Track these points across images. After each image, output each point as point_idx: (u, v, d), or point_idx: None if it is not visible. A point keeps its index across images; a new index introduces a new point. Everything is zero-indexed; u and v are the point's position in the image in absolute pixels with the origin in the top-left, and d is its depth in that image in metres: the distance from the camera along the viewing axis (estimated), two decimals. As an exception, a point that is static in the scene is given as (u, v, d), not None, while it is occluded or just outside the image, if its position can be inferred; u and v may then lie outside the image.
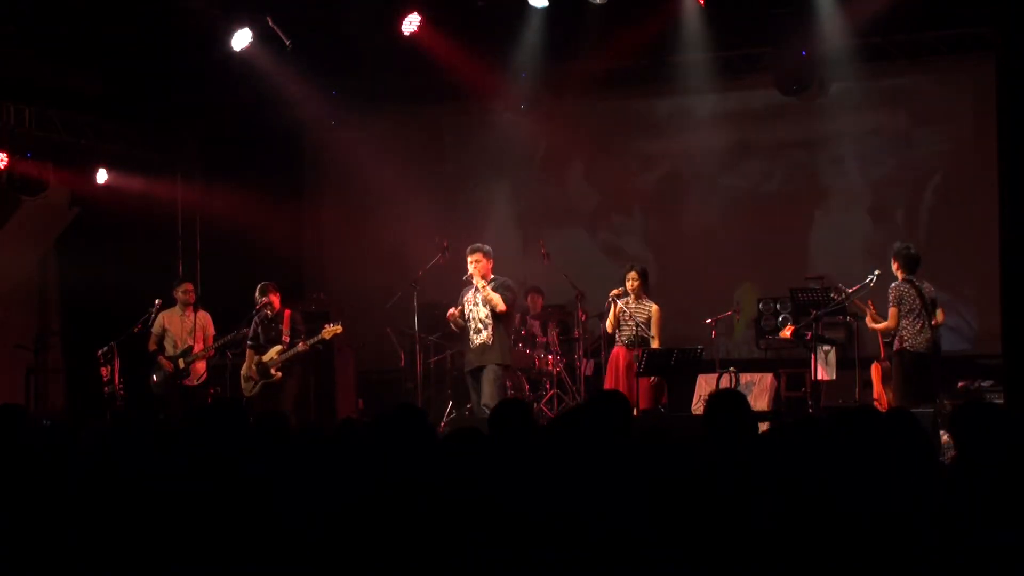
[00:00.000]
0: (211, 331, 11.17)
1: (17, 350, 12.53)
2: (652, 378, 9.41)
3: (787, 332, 10.44)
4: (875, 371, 10.00)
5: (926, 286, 9.43)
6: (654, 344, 9.56)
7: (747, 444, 4.32)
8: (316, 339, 10.52)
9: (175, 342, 11.04)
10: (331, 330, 10.48)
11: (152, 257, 12.96)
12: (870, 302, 9.94)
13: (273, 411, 8.25)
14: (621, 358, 9.69)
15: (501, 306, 9.52)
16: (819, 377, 10.34)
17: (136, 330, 11.12)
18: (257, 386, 10.52)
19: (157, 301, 11.13)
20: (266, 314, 10.58)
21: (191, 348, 10.93)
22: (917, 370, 9.34)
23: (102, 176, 12.74)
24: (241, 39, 11.42)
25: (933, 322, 9.34)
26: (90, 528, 3.89)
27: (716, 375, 10.31)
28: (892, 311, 9.27)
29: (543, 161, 13.75)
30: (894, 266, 9.39)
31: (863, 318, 10.03)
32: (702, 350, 9.90)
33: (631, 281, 9.70)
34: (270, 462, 4.25)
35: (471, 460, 4.05)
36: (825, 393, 10.64)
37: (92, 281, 12.60)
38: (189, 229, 13.58)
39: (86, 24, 11.28)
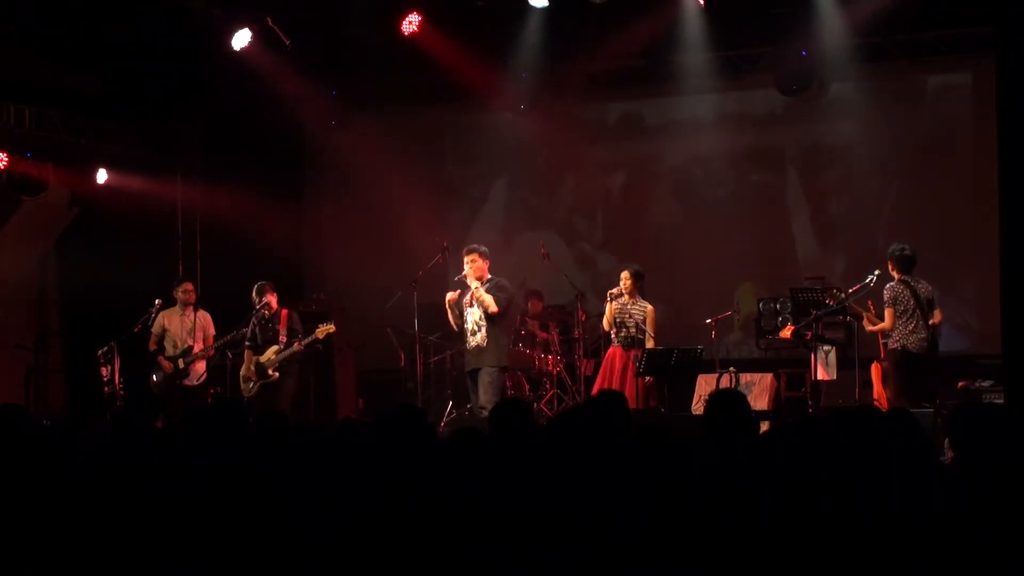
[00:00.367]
0: (211, 331, 11.18)
1: (17, 350, 12.53)
2: (644, 379, 9.45)
3: (787, 332, 10.44)
4: (875, 371, 10.01)
5: (922, 286, 9.46)
6: (649, 344, 9.59)
7: (747, 444, 4.32)
8: (310, 339, 10.53)
9: (175, 342, 11.04)
10: (324, 329, 10.48)
11: (152, 257, 12.96)
12: (870, 303, 9.96)
13: (273, 411, 8.26)
14: (617, 359, 9.71)
15: (493, 308, 9.53)
16: (819, 377, 10.35)
17: (136, 330, 11.12)
18: (255, 386, 10.52)
19: (157, 301, 11.13)
20: (264, 314, 10.58)
21: (191, 348, 10.93)
22: (911, 370, 9.38)
23: (102, 176, 12.74)
24: (241, 39, 11.42)
25: (931, 322, 9.37)
26: (90, 528, 3.89)
27: (716, 375, 10.31)
28: (888, 312, 9.39)
29: (543, 161, 13.74)
30: (889, 267, 9.46)
31: (861, 319, 10.04)
32: (702, 350, 9.91)
33: (624, 281, 9.79)
34: (270, 462, 4.25)
35: (471, 460, 4.05)
36: (825, 393, 10.64)
37: (92, 281, 12.60)
38: (189, 229, 13.58)
39: (86, 24, 11.29)
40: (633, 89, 13.22)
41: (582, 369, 12.04)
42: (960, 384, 10.52)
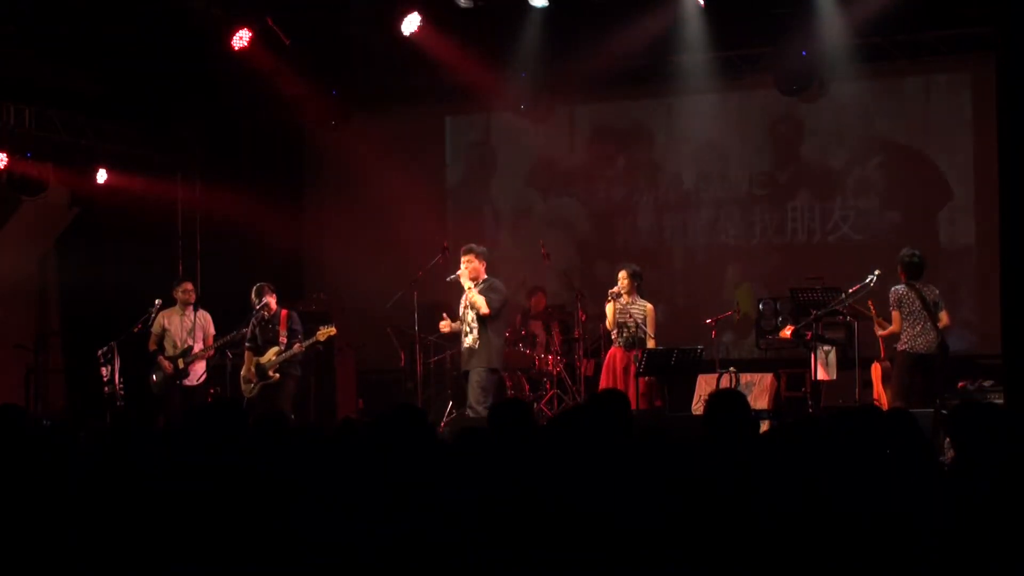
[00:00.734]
0: (211, 331, 11.17)
1: (17, 350, 12.53)
2: (647, 379, 9.44)
3: (787, 332, 10.44)
4: (875, 371, 10.01)
5: (928, 289, 9.51)
6: (650, 343, 9.59)
7: (747, 444, 4.32)
8: (311, 341, 10.52)
9: (175, 342, 11.03)
10: (325, 332, 10.48)
11: (152, 257, 12.97)
12: (871, 303, 9.97)
13: (273, 411, 8.26)
14: (618, 359, 9.71)
15: (484, 309, 9.53)
16: (819, 377, 10.35)
17: (136, 330, 11.12)
18: (256, 387, 10.51)
19: (157, 301, 11.13)
20: (263, 315, 10.57)
21: (191, 348, 10.93)
22: (916, 371, 9.41)
23: (102, 176, 12.74)
24: (241, 39, 11.42)
25: (940, 324, 9.41)
26: (90, 528, 3.89)
27: (716, 375, 10.30)
28: (894, 315, 9.48)
29: (543, 161, 13.73)
30: (899, 271, 9.55)
31: (864, 320, 10.05)
32: (702, 350, 9.91)
33: (621, 280, 9.83)
34: (270, 462, 4.25)
35: (472, 460, 4.05)
36: (825, 393, 10.64)
37: (92, 281, 12.60)
38: (189, 229, 13.58)
39: (86, 24, 11.28)
40: (633, 89, 13.21)
41: (582, 369, 12.03)
42: (960, 384, 10.53)
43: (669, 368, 9.44)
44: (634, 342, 9.63)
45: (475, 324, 9.57)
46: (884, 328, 9.72)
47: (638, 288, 9.94)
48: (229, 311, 11.24)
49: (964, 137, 12.03)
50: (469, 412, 9.41)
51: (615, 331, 9.84)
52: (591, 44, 12.07)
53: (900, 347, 9.47)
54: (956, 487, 3.71)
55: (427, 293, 11.02)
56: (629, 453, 3.99)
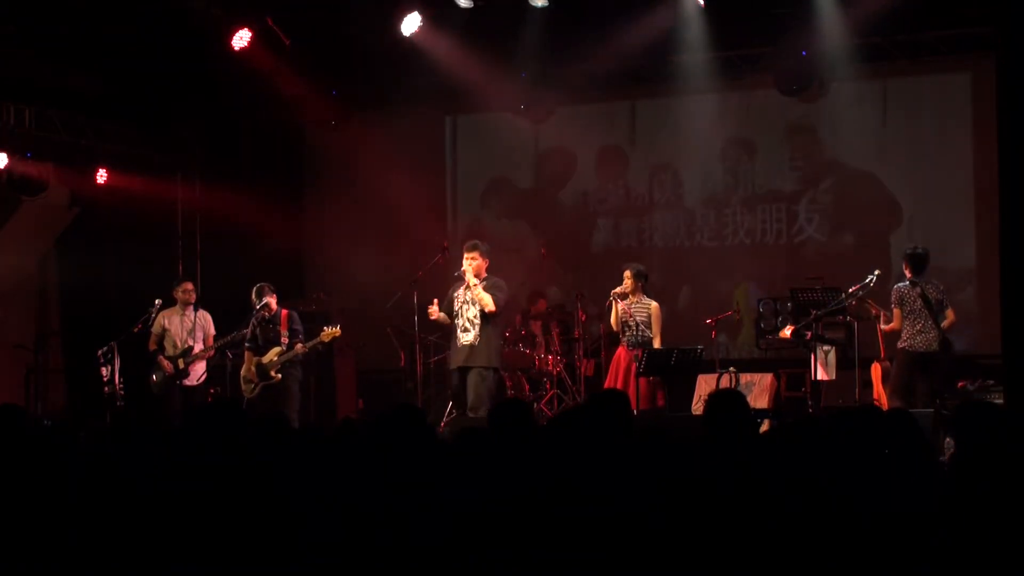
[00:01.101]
0: (211, 331, 11.17)
1: (17, 350, 12.53)
2: (650, 378, 9.42)
3: (787, 332, 10.44)
4: (875, 371, 10.02)
5: (931, 287, 9.50)
6: (655, 343, 9.57)
7: (747, 444, 4.32)
8: (314, 342, 10.52)
9: (175, 342, 11.03)
10: (330, 333, 10.47)
11: (152, 257, 12.96)
12: (870, 302, 9.96)
13: (273, 411, 8.25)
14: (622, 359, 9.69)
15: (491, 307, 9.46)
16: (819, 377, 10.34)
17: (136, 330, 11.12)
18: (257, 388, 10.50)
19: (157, 301, 11.13)
20: (263, 315, 10.57)
21: (191, 348, 10.93)
22: (916, 370, 9.41)
23: (102, 176, 12.74)
24: (241, 39, 11.42)
25: (944, 323, 9.41)
26: (90, 528, 3.89)
27: (716, 375, 10.30)
28: (895, 312, 9.48)
29: (542, 161, 13.74)
30: (904, 267, 9.55)
31: (866, 320, 10.05)
32: (702, 350, 9.90)
33: (625, 280, 9.78)
34: (270, 462, 4.25)
35: (473, 460, 4.05)
36: (825, 393, 10.64)
37: (92, 281, 12.60)
38: (189, 229, 13.58)
39: (86, 24, 11.28)
40: (633, 89, 13.22)
41: (582, 369, 12.04)
42: (960, 384, 10.53)
43: (669, 368, 9.42)
44: (637, 342, 9.60)
45: (477, 321, 9.49)
46: (888, 323, 9.70)
47: (643, 287, 9.88)
48: (229, 311, 11.23)
49: (964, 137, 12.03)
50: (470, 413, 9.35)
51: (621, 330, 9.79)
52: (591, 44, 12.07)
53: (900, 345, 9.50)
54: (956, 487, 3.71)
55: (427, 293, 11.02)
56: (629, 453, 3.99)
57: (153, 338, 11.07)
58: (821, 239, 12.68)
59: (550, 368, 11.88)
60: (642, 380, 9.39)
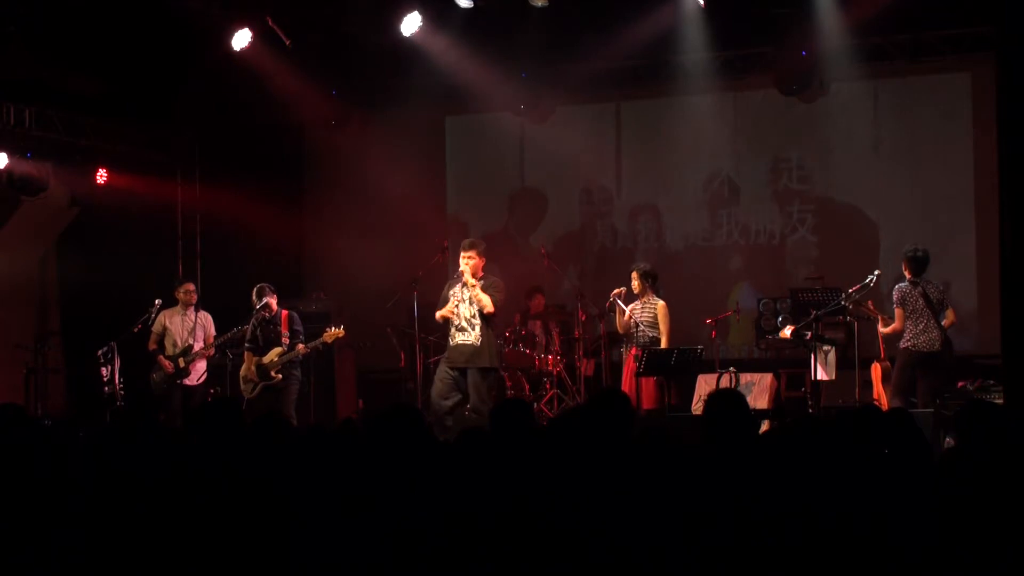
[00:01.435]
0: (211, 331, 11.17)
1: (17, 350, 12.53)
2: (655, 379, 9.41)
3: (787, 332, 10.44)
4: (875, 371, 10.02)
5: (932, 287, 9.51)
6: (663, 342, 9.53)
7: (746, 444, 4.32)
8: (317, 342, 10.51)
9: (175, 341, 11.03)
10: (332, 334, 10.47)
11: (152, 257, 12.97)
12: (870, 303, 9.96)
13: (273, 411, 8.24)
14: (631, 359, 9.69)
15: (489, 307, 9.41)
16: (819, 377, 10.34)
17: (136, 330, 11.12)
18: (257, 388, 10.49)
19: (157, 301, 11.13)
20: (264, 316, 10.57)
21: (191, 347, 10.93)
22: (917, 370, 9.41)
23: (102, 176, 12.74)
24: (241, 39, 11.42)
25: (945, 323, 9.42)
26: (90, 528, 3.89)
27: (716, 375, 10.30)
28: (897, 312, 9.49)
29: (542, 161, 13.73)
30: (903, 267, 9.54)
31: (867, 319, 10.04)
32: (702, 350, 9.90)
33: (632, 281, 9.74)
34: (269, 462, 4.25)
35: (473, 460, 4.05)
36: (825, 393, 10.64)
37: (92, 281, 12.59)
38: (189, 229, 13.58)
39: (86, 24, 11.28)
40: (633, 89, 13.22)
41: (582, 369, 12.04)
42: (960, 384, 10.53)
43: (669, 368, 9.42)
44: (640, 343, 9.58)
45: (477, 321, 9.44)
46: (887, 326, 9.72)
47: (652, 287, 9.81)
48: (229, 311, 11.24)
49: (964, 136, 12.03)
50: (473, 414, 9.32)
51: (628, 333, 9.75)
52: (591, 44, 12.08)
53: (902, 345, 9.49)
54: (956, 486, 3.71)
55: (427, 293, 11.02)
56: (628, 454, 3.99)
57: (153, 337, 11.07)
58: (813, 239, 12.69)
59: (550, 368, 11.88)
60: (650, 380, 9.38)
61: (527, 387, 12.04)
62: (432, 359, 12.28)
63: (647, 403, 9.35)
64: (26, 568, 3.79)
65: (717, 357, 11.14)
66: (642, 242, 13.28)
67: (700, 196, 13.10)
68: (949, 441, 7.62)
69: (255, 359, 10.53)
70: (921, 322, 9.40)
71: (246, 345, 10.63)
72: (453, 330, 9.53)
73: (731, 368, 10.43)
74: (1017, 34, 8.26)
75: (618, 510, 3.57)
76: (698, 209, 13.11)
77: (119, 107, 12.67)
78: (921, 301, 9.39)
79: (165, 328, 11.05)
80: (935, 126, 12.27)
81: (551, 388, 11.86)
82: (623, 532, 3.49)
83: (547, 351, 12.06)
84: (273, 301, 10.62)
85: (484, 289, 9.46)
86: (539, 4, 11.21)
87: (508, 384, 12.13)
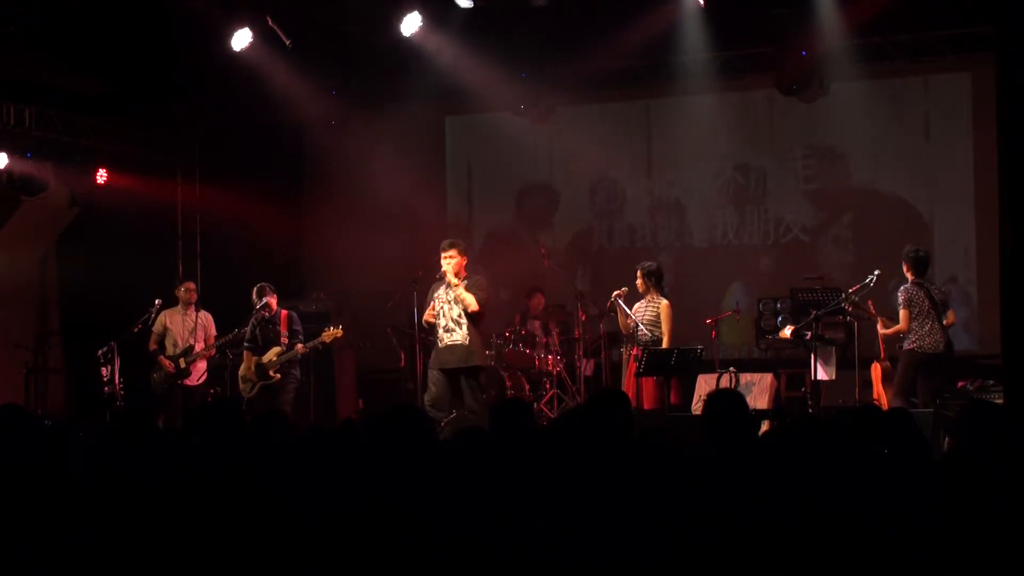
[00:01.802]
0: (212, 331, 11.17)
1: (17, 350, 12.53)
2: (656, 378, 9.39)
3: (787, 332, 10.44)
4: (875, 371, 10.01)
5: (935, 287, 9.51)
6: (664, 341, 9.51)
7: (746, 444, 4.32)
8: (315, 342, 10.51)
9: (176, 341, 11.03)
10: (331, 333, 10.46)
11: (152, 257, 12.96)
12: (870, 303, 9.95)
13: (273, 411, 8.22)
14: (632, 358, 9.67)
15: (474, 306, 9.34)
16: (819, 377, 10.34)
17: (136, 330, 11.12)
18: (256, 388, 10.50)
19: (157, 301, 11.14)
20: (263, 315, 10.57)
21: (192, 347, 10.93)
22: (924, 370, 9.39)
23: (102, 176, 12.73)
24: (241, 39, 11.42)
25: (945, 323, 9.41)
26: (90, 528, 3.89)
27: (716, 375, 10.29)
28: (903, 313, 9.38)
29: (542, 161, 13.74)
30: (904, 268, 9.50)
31: (866, 319, 10.03)
32: (702, 350, 9.88)
33: (637, 280, 9.70)
34: (270, 462, 4.25)
35: (474, 460, 4.05)
36: (825, 393, 10.64)
37: (92, 281, 12.59)
38: (189, 229, 13.58)
39: (86, 24, 11.28)
40: (633, 89, 13.22)
41: (582, 369, 12.04)
42: (960, 384, 10.53)
43: (669, 368, 9.40)
44: (640, 342, 9.56)
45: (463, 321, 9.36)
46: (888, 327, 9.69)
47: (656, 285, 9.77)
48: (229, 311, 11.24)
49: (964, 136, 12.03)
50: (471, 415, 9.28)
51: (631, 333, 9.71)
52: (591, 44, 12.08)
53: (908, 346, 9.40)
54: (956, 486, 3.71)
55: (427, 293, 11.02)
56: (628, 454, 3.99)
57: (154, 337, 11.07)
58: (805, 240, 12.69)
59: (550, 368, 11.88)
60: (650, 380, 9.36)
61: (527, 387, 12.04)
62: (432, 359, 12.29)
63: (647, 403, 9.33)
64: (26, 568, 3.79)
65: (717, 357, 11.14)
66: (643, 242, 13.28)
67: (700, 196, 13.10)
68: (949, 441, 7.61)
69: (254, 359, 10.54)
70: (927, 323, 9.36)
71: (245, 345, 10.64)
72: (441, 332, 9.45)
73: (731, 368, 10.43)
74: (1017, 34, 8.27)
75: (618, 510, 3.57)
76: (698, 209, 13.11)
77: (119, 107, 12.66)
78: (927, 302, 9.36)
79: (165, 328, 11.06)
80: (935, 126, 12.27)
81: (551, 388, 11.86)
82: (623, 532, 3.49)
83: (547, 351, 12.06)
84: (273, 301, 10.63)
85: (467, 288, 9.38)
86: (539, 2, 11.20)
87: (508, 384, 12.13)
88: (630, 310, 9.65)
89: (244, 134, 13.25)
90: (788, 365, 11.37)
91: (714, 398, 4.67)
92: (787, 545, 3.42)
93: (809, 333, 10.19)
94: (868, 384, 10.05)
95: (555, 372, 11.87)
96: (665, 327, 9.52)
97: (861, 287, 9.82)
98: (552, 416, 11.36)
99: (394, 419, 4.21)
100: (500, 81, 12.64)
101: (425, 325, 9.78)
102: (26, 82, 11.83)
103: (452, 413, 9.60)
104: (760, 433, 4.55)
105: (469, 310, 9.32)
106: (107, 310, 12.12)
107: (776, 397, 10.59)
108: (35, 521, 3.91)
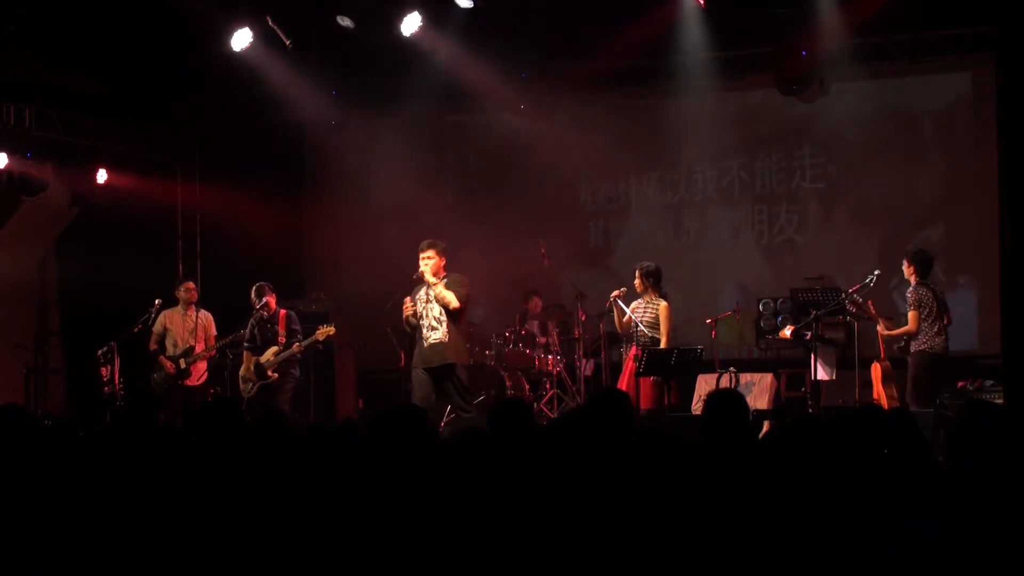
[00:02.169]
0: (212, 331, 11.17)
1: (17, 350, 12.53)
2: (655, 378, 9.38)
3: (787, 332, 10.44)
4: (875, 371, 10.00)
5: (939, 288, 9.53)
6: (662, 343, 9.49)
7: (746, 444, 4.33)
8: (309, 341, 10.50)
9: (176, 341, 11.04)
10: (323, 331, 10.45)
11: (152, 257, 12.96)
12: (870, 303, 9.95)
13: (272, 411, 8.22)
14: (631, 358, 9.66)
15: (454, 303, 9.26)
16: (819, 377, 10.34)
17: (136, 330, 11.13)
18: (255, 387, 10.51)
19: (157, 301, 11.14)
20: (262, 315, 10.58)
21: (192, 348, 10.93)
22: (933, 371, 9.38)
23: (102, 176, 12.74)
24: (241, 39, 11.42)
25: (944, 322, 9.42)
26: (90, 528, 3.89)
27: (716, 375, 10.30)
28: (913, 314, 9.31)
29: (542, 161, 13.74)
30: (908, 269, 9.45)
31: (866, 319, 10.03)
32: (702, 350, 9.87)
33: (635, 280, 9.66)
34: (269, 462, 4.25)
35: (472, 461, 4.05)
36: (825, 393, 10.64)
37: (92, 281, 12.59)
38: (189, 229, 13.59)
39: (86, 24, 11.28)
40: (633, 89, 13.22)
41: (582, 369, 12.04)
42: (960, 384, 10.52)
43: (669, 368, 9.39)
44: (640, 343, 9.56)
45: (444, 318, 9.27)
46: (890, 328, 9.66)
47: (655, 286, 9.70)
48: (229, 311, 11.24)
49: (963, 137, 12.04)
50: (463, 413, 9.24)
51: (632, 331, 9.69)
52: (591, 44, 12.08)
53: (918, 347, 9.33)
54: (957, 486, 3.71)
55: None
56: (628, 454, 3.98)
57: (154, 338, 11.08)
58: (805, 240, 12.70)
59: (550, 368, 11.88)
60: (648, 380, 9.35)
61: (527, 387, 12.04)
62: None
63: (645, 403, 9.32)
64: (26, 568, 3.79)
65: (717, 357, 11.14)
66: (643, 242, 13.27)
67: (700, 196, 13.11)
68: (948, 441, 7.61)
69: (254, 359, 10.54)
70: (936, 324, 9.34)
71: (244, 344, 10.65)
72: (425, 331, 9.39)
73: (731, 368, 10.43)
74: (1017, 34, 8.26)
75: (618, 510, 3.57)
76: (698, 208, 13.11)
77: (119, 107, 12.67)
78: (935, 304, 9.34)
79: (166, 328, 11.06)
80: (934, 126, 12.27)
81: (551, 388, 11.87)
82: (623, 532, 3.49)
83: (547, 351, 12.06)
84: (272, 300, 10.63)
85: (447, 286, 9.32)
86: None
87: (508, 384, 12.14)
88: (628, 309, 9.64)
89: (244, 134, 13.25)
90: (788, 365, 11.37)
91: (714, 398, 4.67)
92: (787, 545, 3.42)
93: (809, 333, 10.19)
94: (868, 384, 10.05)
95: (555, 372, 11.87)
96: (664, 328, 9.49)
97: (861, 287, 9.81)
98: (552, 416, 11.37)
99: (394, 419, 4.21)
100: (500, 81, 12.64)
101: (407, 325, 9.68)
102: (26, 82, 11.84)
103: (450, 414, 9.60)
104: (761, 434, 4.55)
105: (450, 307, 9.24)
106: (107, 310, 12.12)
107: (776, 397, 10.59)
108: (35, 521, 3.91)
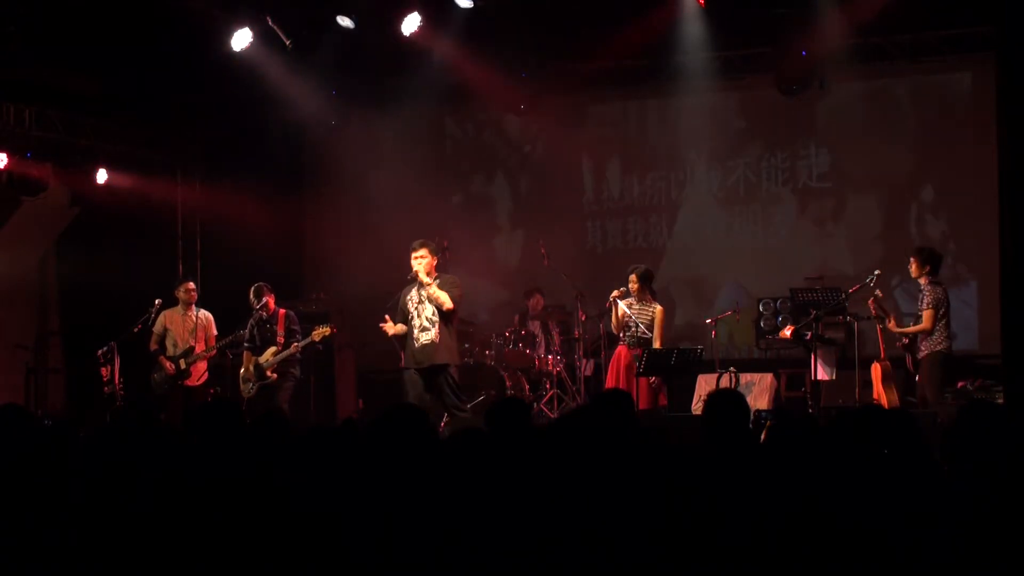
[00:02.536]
0: (212, 331, 11.17)
1: (17, 350, 12.53)
2: (652, 378, 9.36)
3: (787, 332, 10.43)
4: (875, 371, 9.99)
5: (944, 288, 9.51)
6: (655, 345, 9.49)
7: (746, 444, 4.32)
8: (307, 341, 10.49)
9: (176, 341, 11.03)
10: (320, 332, 10.43)
11: (152, 257, 12.96)
12: (871, 303, 9.93)
13: (272, 411, 8.23)
14: (623, 357, 9.63)
15: (448, 304, 9.22)
16: (819, 377, 10.34)
17: (136, 330, 11.12)
18: (254, 387, 10.51)
19: (157, 301, 11.13)
20: (261, 315, 10.58)
21: (192, 348, 10.93)
22: (948, 370, 9.35)
23: (102, 176, 12.74)
24: (241, 39, 11.42)
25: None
26: (90, 528, 3.89)
27: (716, 375, 10.30)
28: (929, 313, 9.16)
29: (543, 161, 13.74)
30: (917, 267, 9.30)
31: (871, 318, 10.00)
32: (702, 350, 9.88)
33: (631, 283, 9.64)
34: (269, 462, 4.25)
35: (471, 461, 4.05)
36: (825, 393, 10.63)
37: (92, 281, 12.59)
38: (189, 229, 13.59)
39: (86, 24, 11.28)
40: (633, 89, 13.22)
41: (582, 369, 12.04)
42: (960, 384, 10.52)
43: (669, 368, 9.39)
44: (636, 342, 9.55)
45: (436, 319, 9.22)
46: (902, 326, 9.57)
47: (650, 289, 9.66)
48: (229, 311, 11.24)
49: (963, 137, 12.03)
50: (458, 413, 9.21)
51: (621, 332, 9.67)
52: (591, 44, 12.08)
53: (936, 348, 9.22)
54: (958, 486, 3.71)
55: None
56: (628, 454, 3.98)
57: (154, 338, 11.07)
58: (805, 239, 12.69)
59: (550, 368, 11.88)
60: (643, 379, 9.34)
61: (527, 387, 12.04)
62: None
63: (642, 403, 9.31)
64: (26, 568, 3.79)
65: (717, 357, 11.14)
66: (643, 242, 13.28)
67: (700, 196, 13.10)
68: (948, 441, 7.61)
69: (253, 359, 10.55)
70: (950, 324, 9.30)
71: (244, 345, 10.65)
72: (416, 331, 9.36)
73: (731, 368, 10.43)
74: (1017, 34, 8.28)
75: (618, 510, 3.57)
76: (698, 208, 13.11)
77: (119, 107, 12.66)
78: (947, 304, 9.29)
79: (166, 328, 11.05)
80: (934, 126, 12.27)
81: (551, 388, 11.86)
82: (623, 532, 3.49)
83: (547, 351, 12.06)
84: (271, 300, 10.63)
85: (440, 287, 9.30)
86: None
87: (508, 384, 12.14)
88: (628, 309, 9.65)
89: (244, 134, 13.25)
90: (788, 365, 11.37)
91: (714, 398, 4.67)
92: (787, 545, 3.42)
93: (809, 333, 10.18)
94: (868, 384, 10.03)
95: (555, 372, 11.87)
96: (658, 332, 9.46)
97: (861, 287, 9.79)
98: (552, 416, 11.37)
99: (394, 419, 4.21)
100: (500, 81, 12.64)
101: (394, 338, 9.66)
102: (26, 82, 11.84)
103: (444, 416, 9.58)
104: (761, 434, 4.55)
105: (444, 308, 9.20)
106: (107, 310, 12.12)
107: (776, 397, 10.60)
108: (35, 521, 3.91)
